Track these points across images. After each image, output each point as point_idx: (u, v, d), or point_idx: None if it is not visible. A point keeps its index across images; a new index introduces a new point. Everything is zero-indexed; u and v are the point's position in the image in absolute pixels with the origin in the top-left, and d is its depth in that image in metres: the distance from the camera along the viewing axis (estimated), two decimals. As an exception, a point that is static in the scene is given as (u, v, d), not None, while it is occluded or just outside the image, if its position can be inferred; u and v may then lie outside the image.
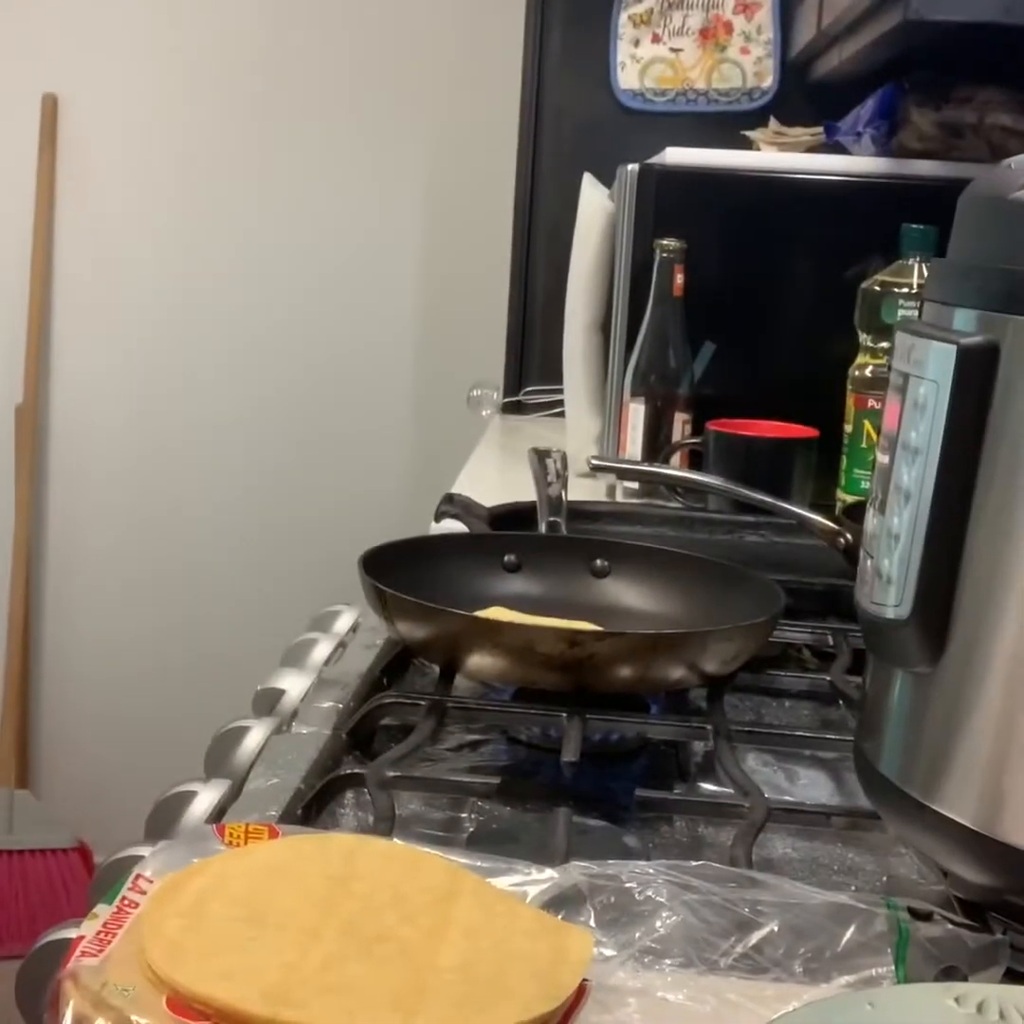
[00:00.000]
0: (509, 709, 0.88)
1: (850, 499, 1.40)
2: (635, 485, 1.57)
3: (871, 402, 1.40)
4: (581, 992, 0.52)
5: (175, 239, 2.53)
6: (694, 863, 0.60)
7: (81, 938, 0.53)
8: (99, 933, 0.53)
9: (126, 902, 0.55)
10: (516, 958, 0.52)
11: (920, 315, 0.65)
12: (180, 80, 2.49)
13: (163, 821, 0.78)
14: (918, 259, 1.36)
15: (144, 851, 0.65)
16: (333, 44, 2.47)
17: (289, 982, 0.49)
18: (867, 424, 1.41)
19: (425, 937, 0.53)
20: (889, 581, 0.62)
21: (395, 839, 0.69)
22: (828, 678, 0.96)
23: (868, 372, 1.41)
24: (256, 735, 0.87)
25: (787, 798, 0.82)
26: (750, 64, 2.11)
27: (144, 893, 0.55)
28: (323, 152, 2.51)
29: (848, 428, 1.43)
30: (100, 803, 2.50)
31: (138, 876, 0.57)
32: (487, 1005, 0.50)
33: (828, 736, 0.88)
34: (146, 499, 2.62)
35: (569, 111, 2.16)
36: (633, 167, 1.60)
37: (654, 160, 1.63)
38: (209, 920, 0.53)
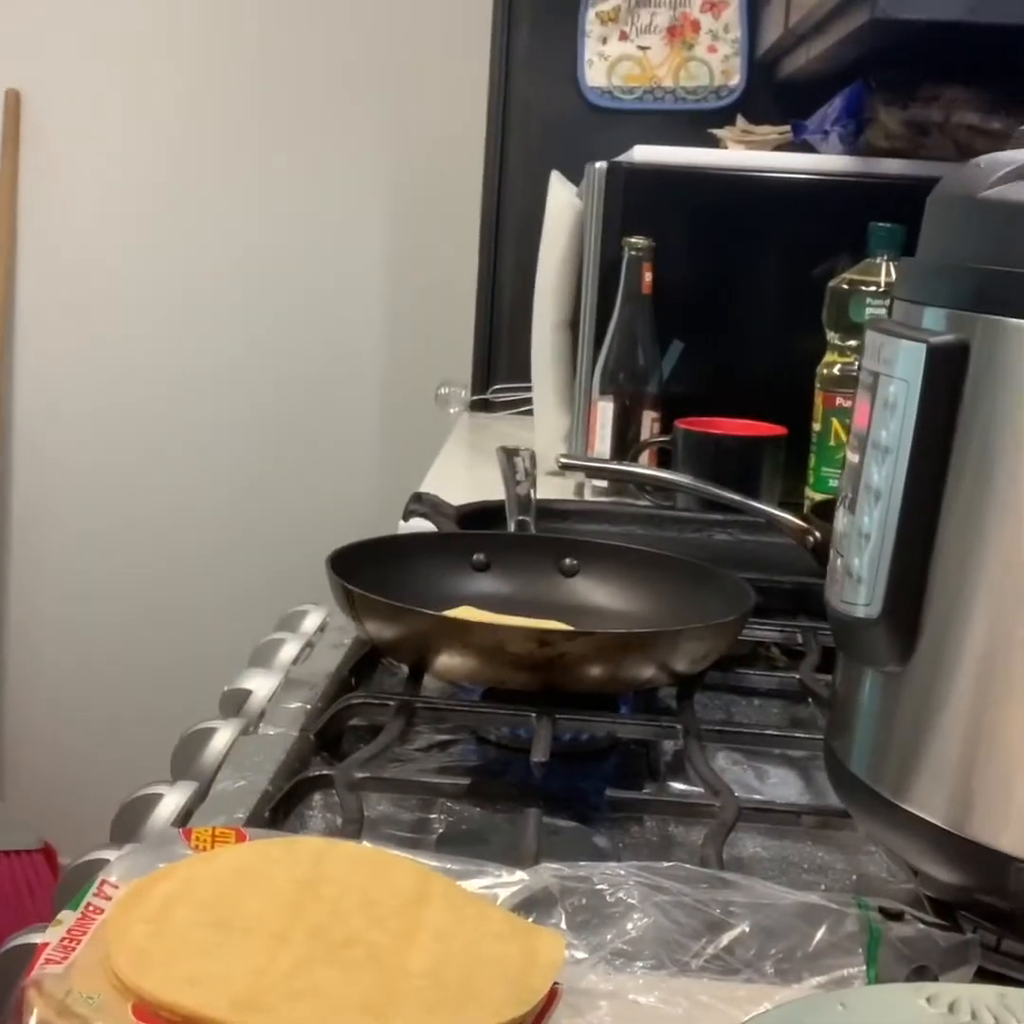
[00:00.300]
0: (478, 709, 0.88)
1: (818, 497, 1.40)
2: (604, 483, 1.56)
3: (839, 400, 1.40)
4: (552, 995, 0.51)
5: (140, 238, 2.52)
6: (665, 864, 0.59)
7: (45, 945, 0.52)
8: (63, 940, 0.52)
9: (91, 908, 0.54)
10: (487, 962, 0.52)
11: (890, 314, 0.65)
12: (144, 76, 2.48)
13: (129, 824, 0.78)
14: (885, 257, 1.36)
15: (110, 855, 0.65)
16: (298, 40, 2.46)
17: (257, 988, 0.49)
18: (835, 422, 1.41)
19: (395, 941, 0.52)
20: (859, 580, 0.62)
21: (364, 841, 0.69)
22: (798, 676, 0.96)
23: (836, 370, 1.41)
24: (223, 736, 0.86)
25: (757, 797, 0.82)
26: (717, 62, 2.11)
27: (109, 899, 0.55)
28: (289, 149, 2.50)
29: (816, 426, 1.44)
30: (65, 804, 2.48)
31: (103, 882, 0.56)
32: (457, 1010, 0.49)
33: (798, 735, 0.88)
34: (112, 499, 2.60)
35: (537, 108, 2.15)
36: (601, 165, 1.59)
37: (622, 158, 1.63)
38: (175, 926, 0.52)
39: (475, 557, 1.02)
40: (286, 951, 0.51)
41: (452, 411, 2.18)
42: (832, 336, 1.42)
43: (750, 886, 0.59)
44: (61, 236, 2.52)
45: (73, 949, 0.52)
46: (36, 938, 0.54)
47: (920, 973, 0.56)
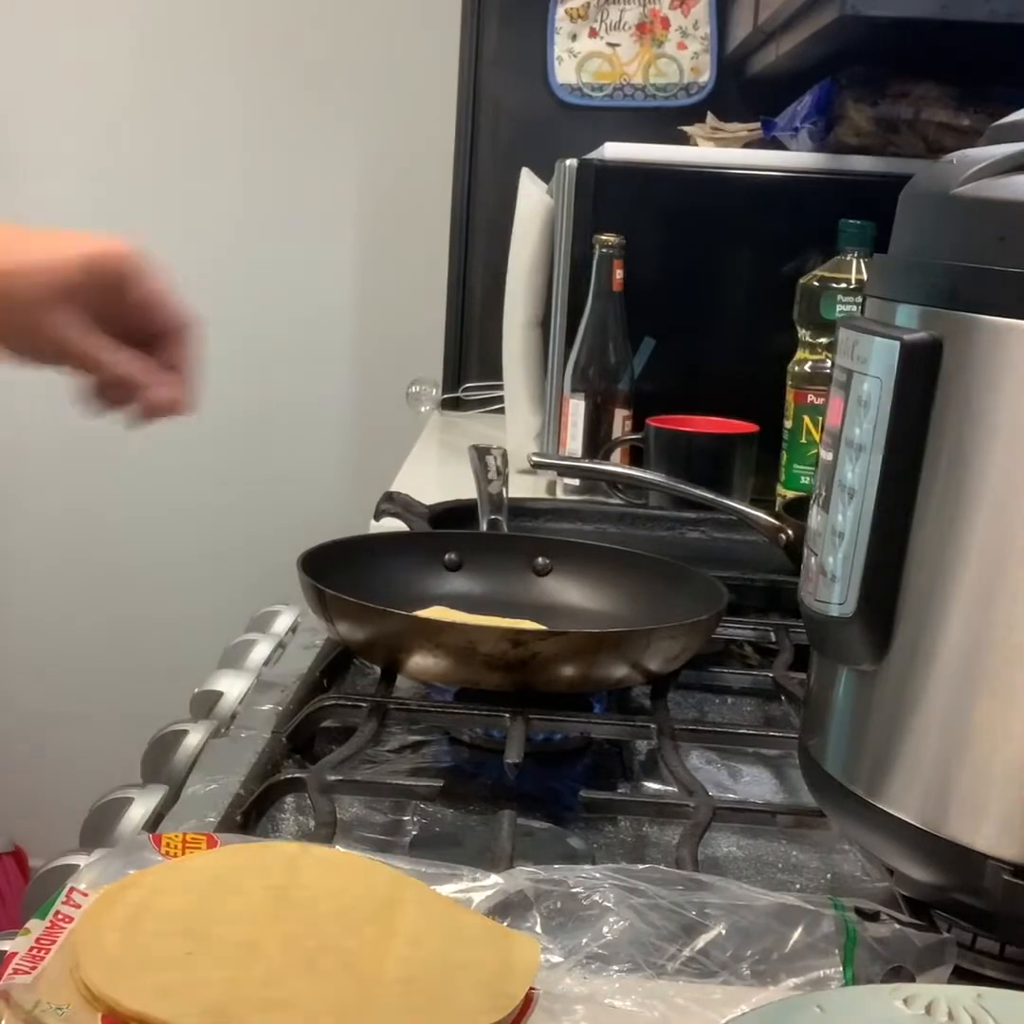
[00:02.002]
0: (451, 710, 0.87)
1: (790, 494, 1.40)
2: (576, 482, 1.56)
3: (810, 397, 1.40)
4: (528, 1001, 0.51)
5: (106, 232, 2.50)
6: (641, 867, 0.59)
7: (13, 955, 0.51)
8: (32, 949, 0.51)
9: (60, 916, 0.53)
10: (462, 968, 0.51)
11: (863, 311, 0.65)
12: (103, 62, 2.46)
13: (99, 828, 0.77)
14: (856, 254, 1.37)
15: (79, 860, 0.64)
16: (267, 39, 2.44)
17: (229, 998, 0.48)
18: (807, 419, 1.41)
19: (369, 948, 0.52)
20: (833, 578, 0.62)
21: (337, 845, 0.68)
22: (771, 675, 0.96)
23: (807, 368, 1.41)
24: (194, 739, 0.85)
25: (731, 796, 0.81)
26: (687, 59, 2.11)
27: (78, 907, 0.54)
28: (259, 148, 2.48)
29: (788, 424, 1.44)
30: (35, 806, 2.46)
31: (72, 889, 0.55)
32: (433, 1016, 0.49)
33: (771, 733, 0.88)
34: (82, 501, 2.58)
35: (507, 106, 2.15)
36: (571, 162, 1.59)
37: (593, 155, 1.62)
38: (146, 935, 0.52)
39: (447, 556, 1.02)
40: (259, 960, 0.50)
41: (423, 410, 2.17)
42: (803, 333, 1.42)
43: (726, 888, 0.58)
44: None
45: (42, 958, 0.51)
46: (4, 946, 0.53)
47: (896, 973, 0.56)
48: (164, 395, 0.84)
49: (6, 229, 0.81)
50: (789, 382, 1.43)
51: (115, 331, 0.83)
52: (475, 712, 0.85)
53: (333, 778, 0.75)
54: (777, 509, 1.22)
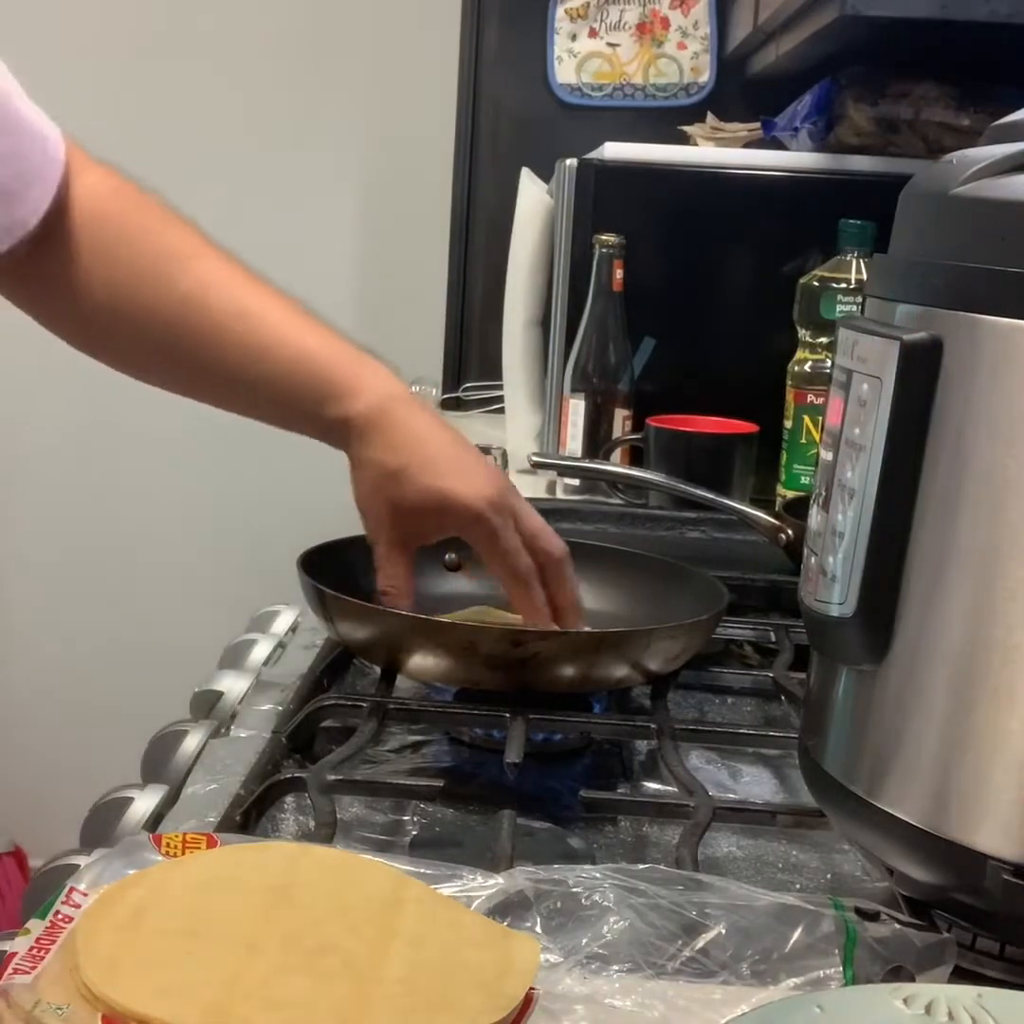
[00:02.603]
0: (451, 710, 0.87)
1: (790, 494, 1.40)
2: (576, 482, 1.56)
3: (810, 397, 1.40)
4: (528, 1001, 0.51)
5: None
6: (641, 866, 0.59)
7: (13, 955, 0.51)
8: (31, 949, 0.51)
9: (60, 916, 0.53)
10: (462, 968, 0.51)
11: (863, 311, 0.65)
12: (109, 67, 2.46)
13: (99, 828, 0.77)
14: (856, 254, 1.37)
15: (79, 860, 0.64)
16: (266, 38, 2.44)
17: (229, 998, 0.48)
18: (807, 419, 1.41)
19: (369, 948, 0.52)
20: (833, 578, 0.62)
21: (337, 845, 0.68)
22: (771, 675, 0.96)
23: (807, 368, 1.41)
24: (194, 739, 0.85)
25: (731, 796, 0.81)
26: (687, 59, 2.11)
27: (78, 907, 0.54)
28: (258, 147, 2.48)
29: (788, 424, 1.44)
30: (35, 806, 2.46)
31: (72, 889, 0.55)
32: (432, 1017, 0.49)
33: (771, 733, 0.88)
34: (81, 498, 2.58)
35: (506, 106, 2.15)
36: (571, 162, 1.59)
37: (593, 155, 1.62)
38: (146, 934, 0.51)
39: (447, 557, 1.02)
40: (259, 960, 0.50)
41: (423, 409, 2.17)
42: (803, 333, 1.42)
43: (726, 887, 0.58)
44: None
45: (42, 958, 0.51)
46: (4, 946, 0.53)
47: (896, 973, 0.56)
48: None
49: (407, 421, 0.90)
50: (789, 382, 1.43)
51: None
52: (475, 712, 0.85)
53: (333, 778, 0.75)
54: (777, 509, 1.22)
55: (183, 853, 0.58)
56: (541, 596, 0.89)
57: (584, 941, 0.56)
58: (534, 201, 1.72)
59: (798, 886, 0.72)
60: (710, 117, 1.90)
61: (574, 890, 0.57)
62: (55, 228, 0.89)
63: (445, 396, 2.18)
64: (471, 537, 0.89)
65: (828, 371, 0.67)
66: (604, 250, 1.53)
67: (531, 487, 1.57)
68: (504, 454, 1.20)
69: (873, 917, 0.57)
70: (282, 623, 1.11)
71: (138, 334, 0.92)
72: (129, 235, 0.91)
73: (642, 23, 2.10)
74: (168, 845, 0.58)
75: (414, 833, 0.75)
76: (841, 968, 0.55)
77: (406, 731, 0.88)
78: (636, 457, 1.52)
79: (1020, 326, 0.55)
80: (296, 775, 0.76)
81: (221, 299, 0.91)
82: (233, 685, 0.95)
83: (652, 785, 0.83)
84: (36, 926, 0.53)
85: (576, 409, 1.56)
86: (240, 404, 0.97)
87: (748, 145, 1.78)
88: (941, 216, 0.60)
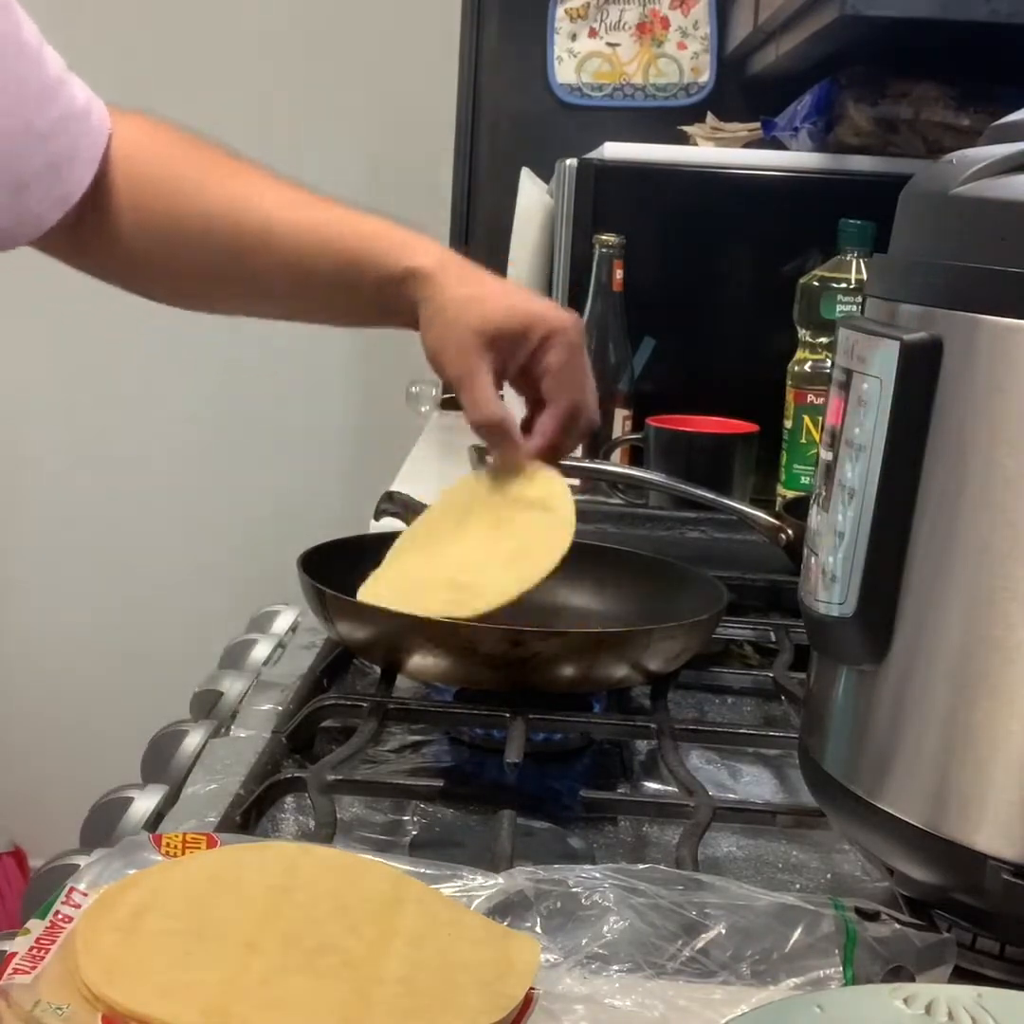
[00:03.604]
0: (451, 709, 0.87)
1: (790, 494, 1.40)
2: (576, 482, 1.55)
3: (810, 397, 1.40)
4: (528, 1001, 0.51)
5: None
6: (641, 866, 0.59)
7: (13, 955, 0.51)
8: (31, 949, 0.51)
9: (60, 917, 0.53)
10: (462, 968, 0.51)
11: (863, 311, 0.65)
12: (111, 60, 2.46)
13: (99, 828, 0.77)
14: (855, 254, 1.36)
15: (80, 860, 0.64)
16: (266, 38, 2.44)
17: (229, 998, 0.48)
18: (807, 419, 1.41)
19: (369, 948, 0.52)
20: (833, 578, 0.62)
21: (337, 845, 0.68)
22: (771, 675, 0.96)
23: (807, 367, 1.41)
24: (194, 738, 0.85)
25: (731, 796, 0.81)
26: (687, 59, 2.11)
27: (78, 907, 0.54)
28: (257, 148, 2.47)
29: (788, 424, 1.44)
30: (35, 806, 2.46)
31: (72, 889, 0.55)
32: (433, 1017, 0.49)
33: (771, 733, 0.88)
34: (81, 499, 2.58)
35: (506, 106, 2.15)
36: (572, 161, 1.59)
37: (593, 155, 1.62)
38: (145, 935, 0.51)
39: (447, 556, 1.02)
40: (259, 960, 0.50)
41: (423, 410, 2.17)
42: (803, 333, 1.42)
43: (726, 887, 0.58)
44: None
45: (41, 958, 0.51)
46: (4, 946, 0.53)
47: (896, 973, 0.56)
48: (514, 455, 0.92)
49: (470, 267, 0.92)
50: (789, 382, 1.43)
51: (524, 385, 0.92)
52: (475, 712, 0.85)
53: (333, 778, 0.75)
54: (777, 509, 1.22)
55: (183, 853, 0.58)
56: (564, 443, 0.92)
57: (584, 941, 0.56)
58: (534, 201, 1.73)
59: (798, 886, 0.72)
60: (710, 117, 1.90)
61: (574, 890, 0.57)
62: (102, 186, 0.94)
63: (445, 396, 2.18)
64: (553, 353, 0.89)
65: (828, 371, 0.67)
66: (604, 250, 1.53)
67: (531, 487, 1.57)
68: (504, 454, 1.20)
69: (873, 917, 0.57)
70: (282, 623, 1.11)
71: (193, 257, 0.95)
72: (172, 169, 0.96)
73: (642, 23, 2.10)
74: (168, 845, 0.58)
75: (414, 833, 0.75)
76: (841, 968, 0.55)
77: (406, 731, 0.88)
78: (636, 457, 1.52)
79: (1020, 326, 0.55)
80: (296, 775, 0.77)
81: (266, 197, 0.95)
82: (233, 685, 0.95)
83: (652, 785, 0.83)
84: (36, 926, 0.53)
85: (576, 409, 1.56)
86: (302, 298, 0.97)
87: (748, 145, 1.78)
88: (941, 216, 0.60)
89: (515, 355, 0.89)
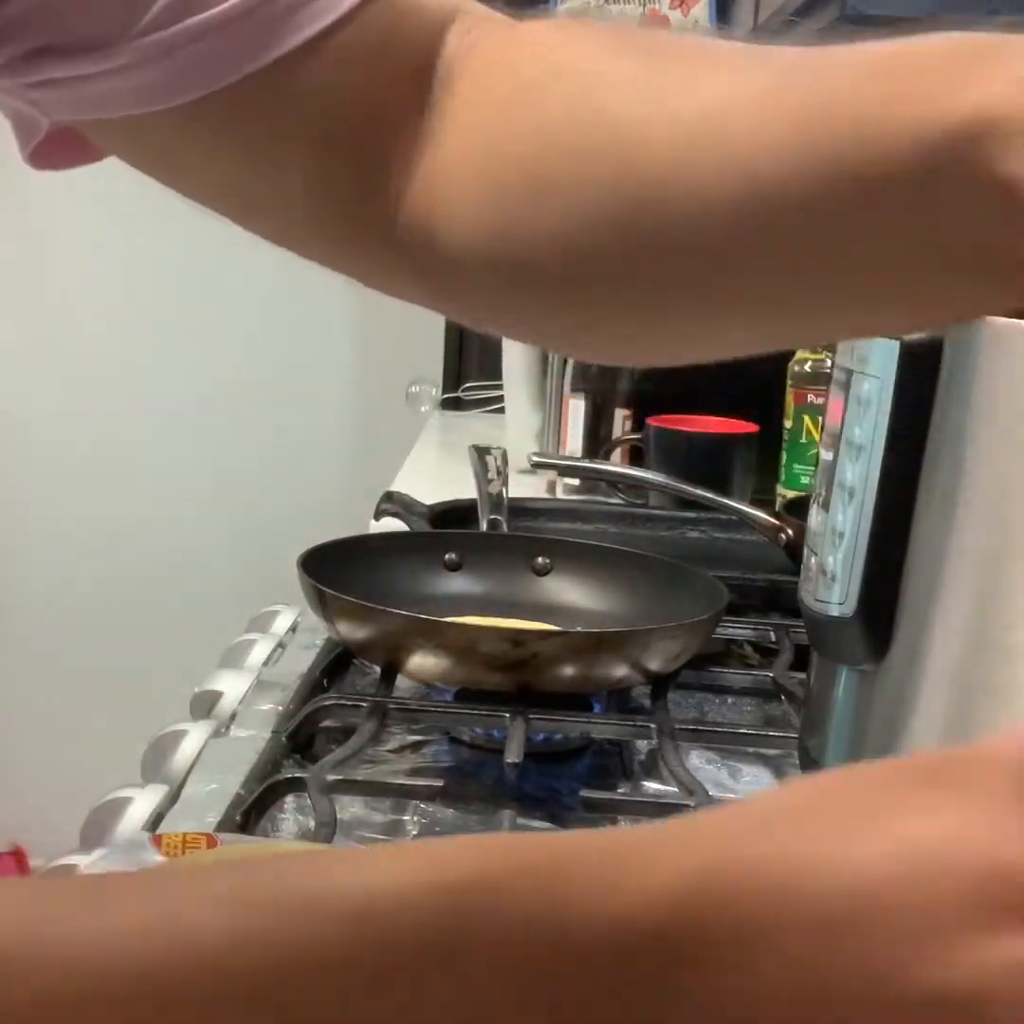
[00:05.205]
0: (451, 709, 0.87)
1: (790, 494, 1.40)
2: (576, 482, 1.56)
3: (810, 397, 1.40)
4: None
5: (109, 232, 2.50)
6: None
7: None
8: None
9: (60, 916, 0.53)
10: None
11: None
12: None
13: (99, 828, 0.77)
14: (856, 254, 1.36)
15: (79, 860, 0.64)
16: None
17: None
18: (807, 419, 1.41)
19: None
20: (833, 578, 0.62)
21: (337, 844, 0.68)
22: (771, 675, 0.96)
23: (807, 367, 1.41)
24: (194, 739, 0.85)
25: (731, 796, 0.81)
26: (687, 59, 2.10)
27: (78, 906, 0.54)
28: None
29: (788, 424, 1.44)
30: (36, 806, 2.46)
31: (72, 889, 0.55)
32: None
33: (771, 733, 0.88)
34: (81, 498, 2.58)
35: (507, 105, 2.14)
36: (572, 161, 1.59)
37: (593, 155, 1.62)
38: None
39: (447, 556, 1.02)
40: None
41: (423, 410, 2.17)
42: (803, 333, 1.42)
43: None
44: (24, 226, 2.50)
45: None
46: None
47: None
48: None
49: None
50: (789, 382, 1.43)
51: None
52: (475, 712, 0.85)
53: (333, 778, 0.75)
54: (777, 509, 1.22)
55: (183, 853, 0.58)
56: None
57: (584, 941, 0.55)
58: (534, 201, 1.72)
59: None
60: (710, 117, 1.90)
61: (574, 890, 0.57)
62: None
63: (445, 396, 2.18)
64: None
65: (828, 371, 0.67)
66: (604, 250, 1.53)
67: (531, 487, 1.57)
68: (504, 454, 1.20)
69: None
70: (282, 623, 1.11)
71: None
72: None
73: (642, 23, 2.10)
74: (168, 845, 0.59)
75: (414, 833, 0.75)
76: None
77: (406, 731, 0.88)
78: (636, 457, 1.52)
79: (1020, 326, 0.55)
80: (296, 775, 0.77)
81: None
82: (233, 685, 0.95)
83: (652, 785, 0.83)
84: (36, 926, 0.53)
85: (576, 409, 1.56)
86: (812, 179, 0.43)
87: (748, 145, 1.78)
88: (941, 216, 0.60)
89: None
